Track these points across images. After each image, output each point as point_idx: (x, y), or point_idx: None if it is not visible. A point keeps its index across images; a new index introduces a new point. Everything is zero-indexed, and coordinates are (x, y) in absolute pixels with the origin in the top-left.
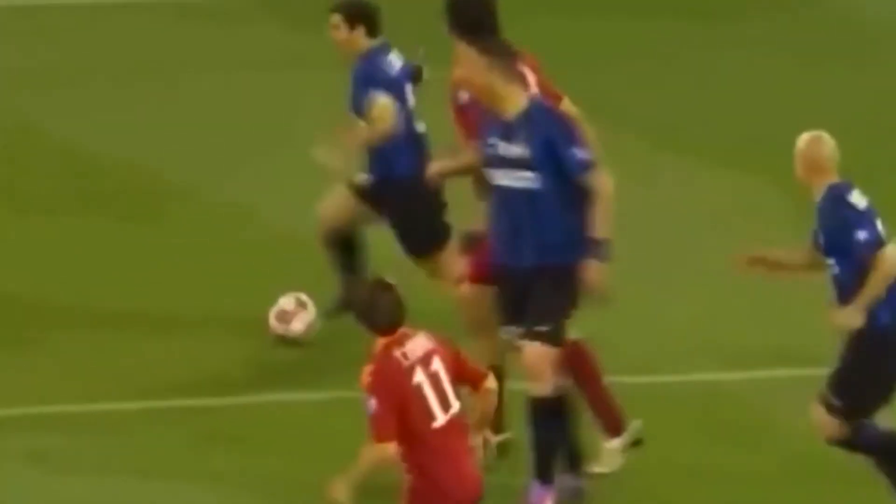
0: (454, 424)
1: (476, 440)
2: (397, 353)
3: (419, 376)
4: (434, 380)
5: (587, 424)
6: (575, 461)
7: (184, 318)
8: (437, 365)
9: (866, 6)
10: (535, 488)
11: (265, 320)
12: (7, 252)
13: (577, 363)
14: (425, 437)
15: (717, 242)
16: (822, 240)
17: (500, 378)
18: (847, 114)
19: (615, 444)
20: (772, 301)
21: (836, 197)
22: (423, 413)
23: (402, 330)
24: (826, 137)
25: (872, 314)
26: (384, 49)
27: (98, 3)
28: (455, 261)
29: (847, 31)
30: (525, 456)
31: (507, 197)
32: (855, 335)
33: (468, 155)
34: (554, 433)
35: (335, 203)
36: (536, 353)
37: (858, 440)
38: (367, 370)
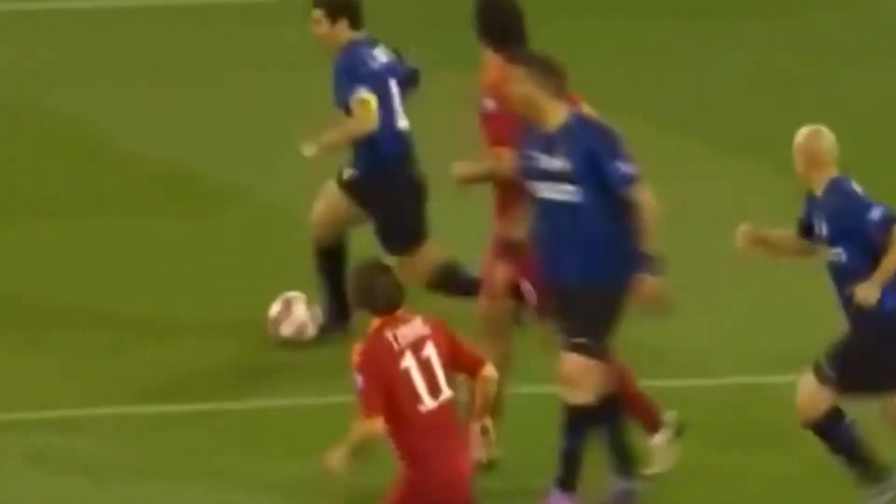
0: (444, 410)
1: (475, 427)
2: (389, 335)
3: (408, 361)
4: (425, 365)
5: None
6: (627, 463)
7: (224, 319)
8: (430, 350)
9: (867, 6)
10: (556, 494)
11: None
12: (43, 252)
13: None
14: (413, 419)
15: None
16: (825, 230)
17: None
18: (848, 113)
19: (658, 439)
20: (805, 302)
21: (842, 188)
22: (410, 396)
23: (398, 312)
24: (825, 131)
25: (878, 299)
26: (368, 42)
27: (144, 6)
28: (492, 268)
29: (854, 30)
30: (543, 458)
31: (548, 210)
32: (860, 316)
33: (490, 162)
34: (582, 443)
35: (326, 206)
36: (574, 363)
37: (833, 432)
38: (357, 349)
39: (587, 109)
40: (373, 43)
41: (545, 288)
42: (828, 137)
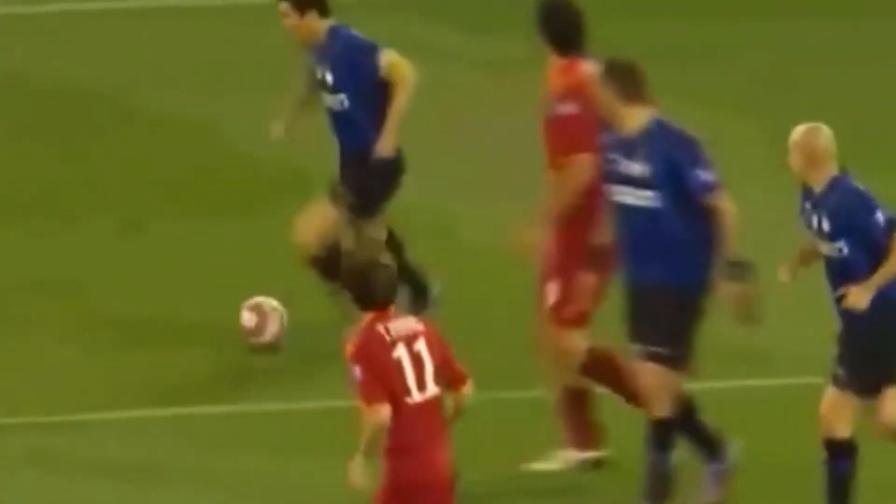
0: (429, 406)
1: None
2: (381, 327)
3: (400, 351)
4: (415, 359)
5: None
6: (714, 448)
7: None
8: (422, 346)
9: None
10: None
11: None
12: (171, 252)
13: (605, 368)
14: (400, 410)
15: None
16: (827, 226)
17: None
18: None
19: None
20: None
21: (846, 184)
22: (400, 387)
23: (391, 309)
24: (824, 128)
25: (882, 290)
26: (343, 25)
27: (257, 5)
28: (574, 277)
29: None
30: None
31: (628, 215)
32: (848, 313)
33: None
34: (666, 456)
35: (315, 222)
36: (653, 374)
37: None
38: (351, 341)
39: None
40: (346, 27)
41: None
42: (826, 134)
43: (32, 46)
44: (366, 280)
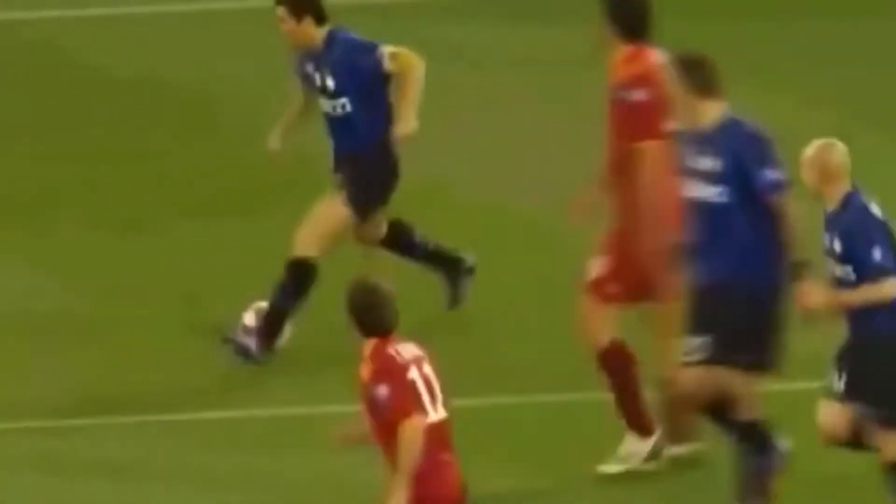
0: (443, 425)
1: None
2: (391, 350)
3: (413, 373)
4: (426, 381)
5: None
6: (763, 440)
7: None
8: (428, 370)
9: None
10: None
11: None
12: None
13: (617, 363)
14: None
15: None
16: (838, 247)
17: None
18: None
19: (640, 446)
20: None
21: (859, 206)
22: (418, 407)
23: (394, 334)
24: (838, 144)
25: (876, 326)
26: (342, 28)
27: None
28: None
29: None
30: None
31: (697, 209)
32: (857, 337)
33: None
34: (765, 456)
35: (315, 233)
36: (740, 382)
37: None
38: (367, 367)
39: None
40: (345, 29)
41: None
42: (840, 150)
43: (128, 47)
44: (369, 308)
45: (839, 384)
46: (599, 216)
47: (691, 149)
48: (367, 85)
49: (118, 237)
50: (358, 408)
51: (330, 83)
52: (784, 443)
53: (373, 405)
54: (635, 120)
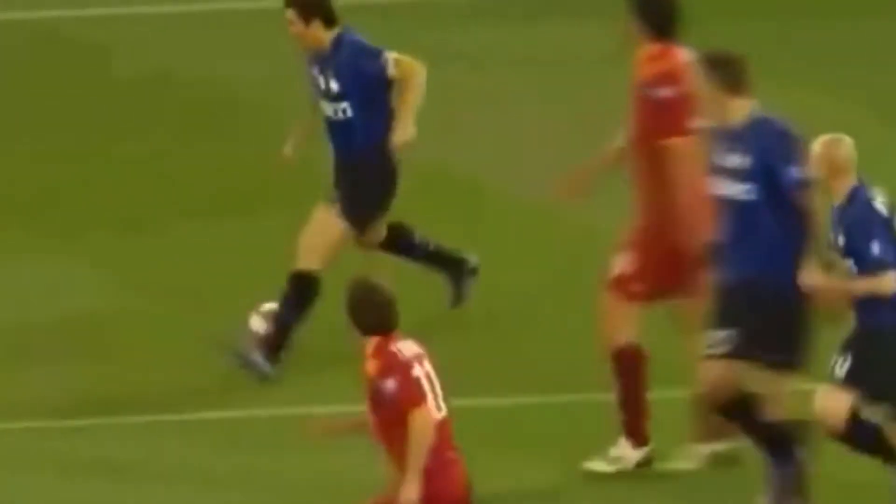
0: (447, 422)
1: None
2: (393, 348)
3: (418, 370)
4: (428, 378)
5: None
6: (784, 445)
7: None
8: (429, 367)
9: None
10: None
11: None
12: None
13: (629, 366)
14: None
15: None
16: (842, 241)
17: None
18: None
19: (631, 453)
20: None
21: (864, 200)
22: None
23: (395, 332)
24: (845, 138)
25: (880, 318)
26: (351, 30)
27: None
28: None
29: None
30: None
31: (726, 207)
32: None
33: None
34: (798, 454)
35: (315, 244)
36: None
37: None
38: (372, 363)
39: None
40: (354, 31)
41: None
42: (847, 144)
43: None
44: (368, 307)
45: (840, 370)
46: (583, 196)
47: (720, 146)
48: (370, 90)
49: (118, 237)
50: (358, 407)
51: (334, 86)
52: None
53: (380, 400)
54: (662, 117)
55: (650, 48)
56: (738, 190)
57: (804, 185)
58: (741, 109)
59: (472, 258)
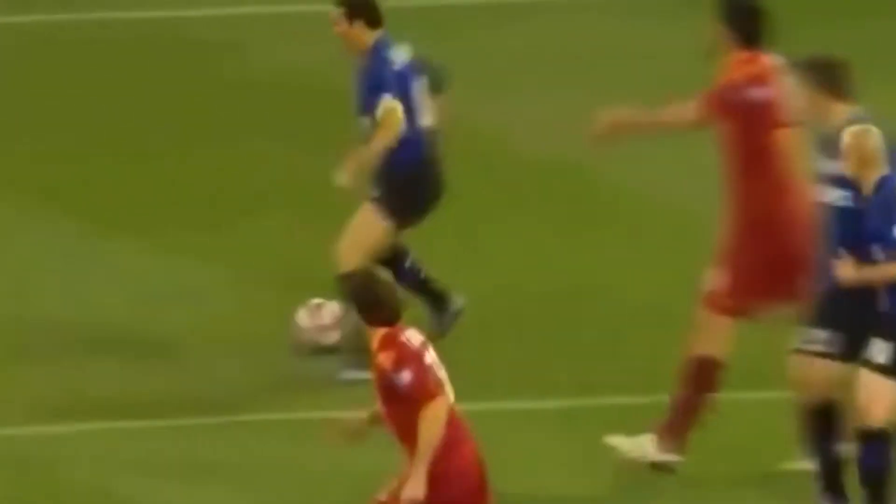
0: (456, 408)
1: None
2: (402, 337)
3: (428, 357)
4: (437, 363)
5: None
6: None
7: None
8: (433, 354)
9: None
10: None
11: None
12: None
13: (700, 377)
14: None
15: None
16: (870, 226)
17: None
18: None
19: (657, 453)
20: None
21: (890, 188)
22: (443, 388)
23: (400, 321)
24: (873, 129)
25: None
26: (387, 43)
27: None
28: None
29: None
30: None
31: (829, 214)
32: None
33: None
34: (883, 465)
35: (355, 247)
36: (871, 384)
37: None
38: (385, 354)
39: None
40: (391, 43)
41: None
42: (875, 135)
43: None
44: (374, 299)
45: (881, 357)
46: (615, 145)
47: (820, 153)
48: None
49: (119, 237)
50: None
51: (357, 99)
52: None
53: (395, 392)
54: (754, 119)
55: (739, 55)
56: (836, 196)
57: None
58: (842, 114)
59: (458, 301)
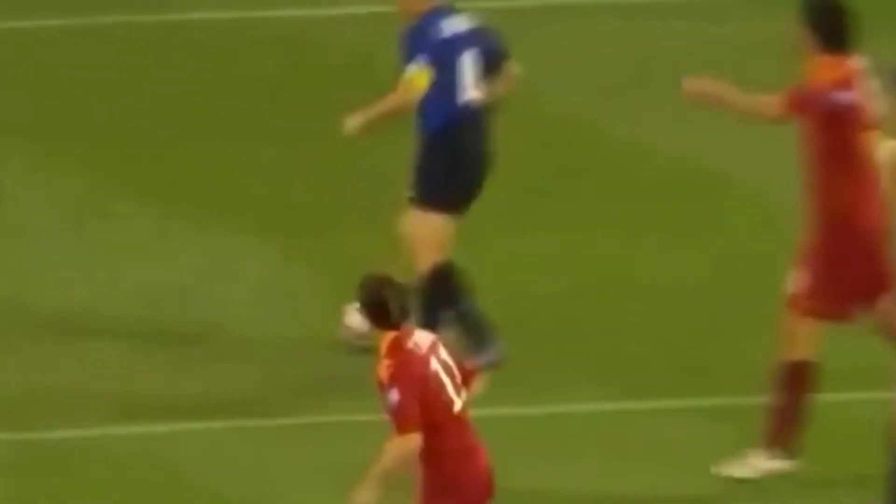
0: (466, 408)
1: None
2: (409, 344)
3: (434, 364)
4: (446, 366)
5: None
6: None
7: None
8: (444, 353)
9: None
10: None
11: None
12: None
13: (790, 384)
14: (447, 424)
15: None
16: None
17: None
18: None
19: (765, 460)
20: None
21: None
22: (445, 399)
23: (409, 324)
24: None
25: None
26: (443, 12)
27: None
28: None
29: None
30: None
31: None
32: None
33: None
34: None
35: (423, 253)
36: None
37: None
38: (386, 363)
39: None
40: (448, 13)
41: None
42: None
43: None
44: (381, 302)
45: None
46: (710, 105)
47: None
48: None
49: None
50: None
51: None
52: None
53: (385, 407)
54: (838, 122)
55: (824, 59)
56: None
57: None
58: None
59: (500, 348)
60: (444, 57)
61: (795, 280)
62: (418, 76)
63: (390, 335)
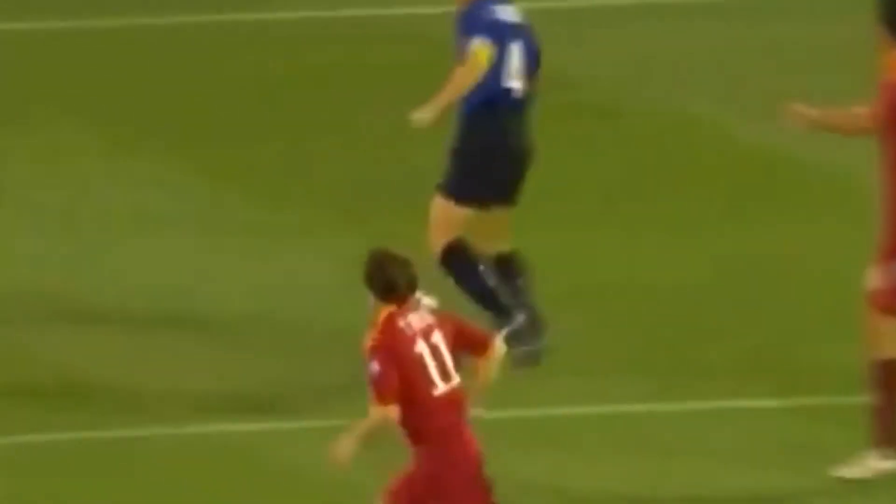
0: (455, 394)
1: (473, 411)
2: (401, 322)
3: (420, 346)
4: (434, 351)
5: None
6: None
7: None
8: (438, 338)
9: None
10: None
11: None
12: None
13: (884, 382)
14: (427, 403)
15: None
16: None
17: None
18: None
19: (882, 462)
20: None
21: None
22: (425, 380)
23: (410, 302)
24: None
25: None
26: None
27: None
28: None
29: None
30: None
31: None
32: None
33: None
34: None
35: (438, 235)
36: None
37: None
38: (370, 336)
39: None
40: (500, 0)
41: None
42: None
43: None
44: (386, 273)
45: None
46: (806, 129)
47: None
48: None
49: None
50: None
51: (455, 49)
52: None
53: (366, 377)
54: None
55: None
56: None
57: None
58: None
59: (543, 338)
60: (497, 38)
61: (874, 277)
62: (481, 51)
63: (387, 310)
